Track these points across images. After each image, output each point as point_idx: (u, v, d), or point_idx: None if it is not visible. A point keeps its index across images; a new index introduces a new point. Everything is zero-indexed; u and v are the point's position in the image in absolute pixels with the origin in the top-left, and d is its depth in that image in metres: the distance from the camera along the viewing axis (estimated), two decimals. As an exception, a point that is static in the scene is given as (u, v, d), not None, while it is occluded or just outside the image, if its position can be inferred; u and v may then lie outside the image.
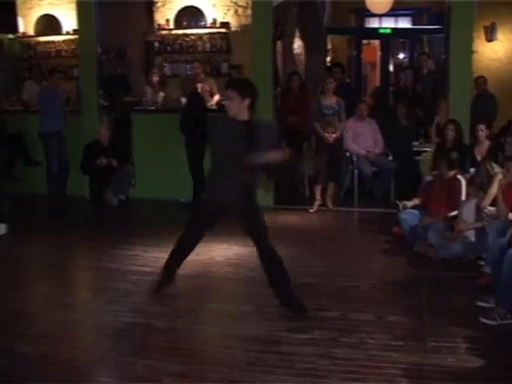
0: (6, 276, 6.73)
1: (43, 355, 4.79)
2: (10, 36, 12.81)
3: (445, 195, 7.35)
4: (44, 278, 7.05)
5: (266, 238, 5.48)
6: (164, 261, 6.01)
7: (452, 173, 7.39)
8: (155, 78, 11.27)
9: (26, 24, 12.98)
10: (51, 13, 13.03)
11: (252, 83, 5.56)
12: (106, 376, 4.52)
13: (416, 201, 7.66)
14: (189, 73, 10.12)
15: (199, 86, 10.32)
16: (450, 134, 8.40)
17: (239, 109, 5.29)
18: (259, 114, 9.27)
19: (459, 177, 7.38)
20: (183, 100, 10.19)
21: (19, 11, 12.21)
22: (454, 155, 7.58)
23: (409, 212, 7.54)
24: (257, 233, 5.49)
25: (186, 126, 9.46)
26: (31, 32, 13.15)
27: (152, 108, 10.70)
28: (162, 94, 11.11)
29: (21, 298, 6.08)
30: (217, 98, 10.71)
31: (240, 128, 5.27)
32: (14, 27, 11.87)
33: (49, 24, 13.12)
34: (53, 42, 13.13)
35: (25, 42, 13.22)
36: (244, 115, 5.31)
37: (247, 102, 5.29)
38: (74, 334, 5.36)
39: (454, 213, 7.07)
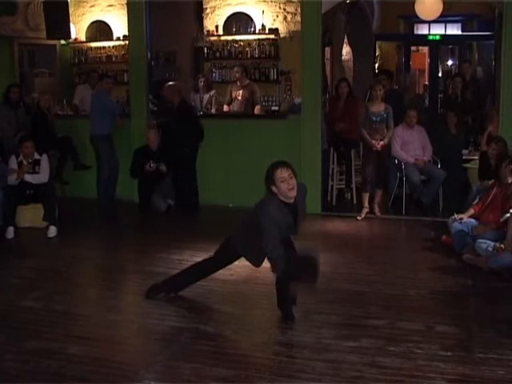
0: (55, 278, 6.85)
1: (92, 357, 4.85)
2: (63, 42, 13.01)
3: (500, 199, 7.29)
4: (93, 281, 7.17)
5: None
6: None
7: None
8: (201, 84, 11.36)
9: (78, 30, 13.18)
10: (102, 19, 13.20)
11: None
12: (154, 379, 4.54)
13: (471, 211, 7.57)
14: (171, 82, 10.05)
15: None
16: (492, 153, 8.34)
17: None
18: (307, 120, 9.41)
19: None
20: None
21: (71, 18, 12.39)
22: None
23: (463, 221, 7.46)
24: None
25: (180, 139, 9.62)
26: (83, 38, 13.34)
27: (200, 113, 10.77)
28: (206, 96, 11.21)
29: (70, 299, 6.17)
30: (258, 107, 10.75)
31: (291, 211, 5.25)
32: (66, 33, 12.04)
33: (100, 30, 13.30)
34: (103, 47, 13.29)
35: (76, 48, 13.41)
36: None
37: None
38: (123, 336, 5.43)
39: (507, 215, 6.97)
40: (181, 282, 6.03)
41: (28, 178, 8.80)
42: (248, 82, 11.14)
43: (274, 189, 5.16)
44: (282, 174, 5.09)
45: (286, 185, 5.09)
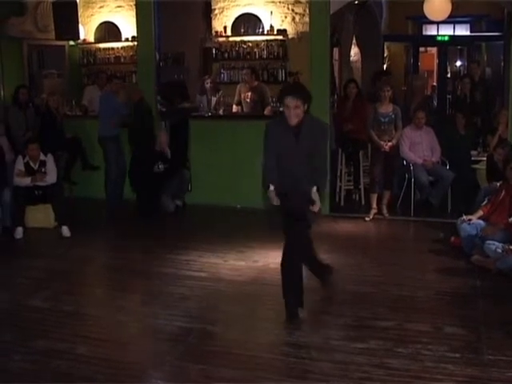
0: (63, 278, 6.86)
1: (100, 357, 4.87)
2: (71, 43, 13.04)
3: (508, 201, 7.26)
4: (101, 281, 7.19)
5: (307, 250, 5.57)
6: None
7: None
8: (207, 85, 11.35)
9: (87, 31, 13.21)
10: (111, 20, 13.23)
11: (305, 87, 5.63)
12: (162, 379, 4.57)
13: (480, 212, 7.54)
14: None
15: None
16: (498, 158, 8.33)
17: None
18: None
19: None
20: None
21: (80, 19, 12.42)
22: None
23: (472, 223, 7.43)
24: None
25: (134, 138, 9.68)
26: (91, 39, 13.37)
27: (209, 114, 10.78)
28: (214, 98, 11.19)
29: (78, 300, 6.19)
30: (268, 108, 10.71)
31: (293, 133, 5.36)
32: (75, 34, 12.08)
33: (108, 31, 13.33)
34: (112, 48, 13.32)
35: (85, 49, 13.45)
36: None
37: (306, 107, 5.32)
38: (130, 336, 5.44)
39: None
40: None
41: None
42: (257, 83, 11.11)
43: (282, 108, 5.39)
44: (288, 102, 5.26)
45: (288, 112, 5.29)
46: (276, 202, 5.40)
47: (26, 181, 8.72)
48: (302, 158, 5.39)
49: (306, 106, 5.29)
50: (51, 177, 8.89)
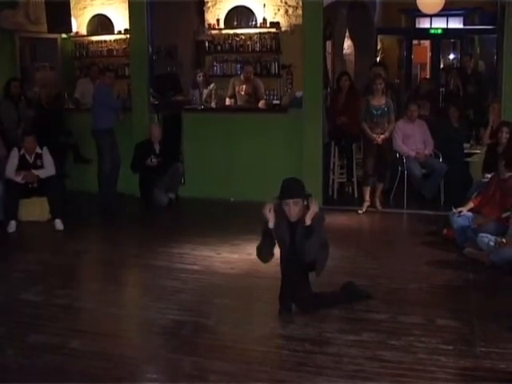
0: (57, 272, 6.86)
1: (94, 351, 4.86)
2: (64, 36, 12.98)
3: (499, 195, 7.28)
4: (94, 275, 7.18)
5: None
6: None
7: (509, 174, 7.27)
8: (199, 79, 11.33)
9: (79, 24, 13.16)
10: (103, 13, 13.18)
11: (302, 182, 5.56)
12: (155, 373, 4.57)
13: (471, 204, 7.55)
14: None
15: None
16: (505, 136, 8.30)
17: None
18: (309, 114, 9.39)
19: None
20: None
21: (72, 11, 12.37)
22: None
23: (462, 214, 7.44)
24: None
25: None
26: (84, 32, 13.32)
27: (202, 107, 10.75)
28: (205, 91, 11.16)
29: (72, 294, 6.17)
30: (263, 102, 10.70)
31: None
32: (67, 27, 12.03)
33: (101, 24, 13.28)
34: (105, 41, 13.26)
35: (77, 42, 13.39)
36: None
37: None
38: (124, 330, 5.44)
39: (508, 213, 6.97)
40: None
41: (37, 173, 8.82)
42: (252, 76, 11.13)
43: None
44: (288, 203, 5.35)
45: (287, 208, 5.36)
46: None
47: (17, 178, 8.68)
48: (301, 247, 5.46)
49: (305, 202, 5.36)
50: (49, 170, 8.87)
